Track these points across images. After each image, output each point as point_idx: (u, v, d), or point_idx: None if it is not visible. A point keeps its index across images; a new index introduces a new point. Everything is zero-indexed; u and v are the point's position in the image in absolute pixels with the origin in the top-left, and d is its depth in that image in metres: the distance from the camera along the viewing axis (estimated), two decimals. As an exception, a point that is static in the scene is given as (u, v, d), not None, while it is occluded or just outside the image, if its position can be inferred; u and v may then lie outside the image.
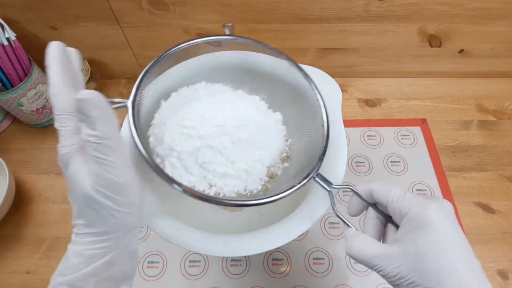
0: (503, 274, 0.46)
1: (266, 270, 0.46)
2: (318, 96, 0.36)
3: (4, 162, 0.50)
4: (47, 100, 0.57)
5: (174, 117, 0.35)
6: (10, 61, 0.53)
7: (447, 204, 0.25)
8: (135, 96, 0.31)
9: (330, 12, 0.53)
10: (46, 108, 0.58)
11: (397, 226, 0.27)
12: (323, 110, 0.35)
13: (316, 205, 0.35)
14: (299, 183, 0.30)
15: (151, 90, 0.36)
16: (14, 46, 0.52)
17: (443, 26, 0.56)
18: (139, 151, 0.29)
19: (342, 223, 0.50)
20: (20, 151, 0.58)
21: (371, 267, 0.26)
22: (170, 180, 0.28)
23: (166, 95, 0.39)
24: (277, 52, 0.37)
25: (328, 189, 0.31)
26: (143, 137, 0.30)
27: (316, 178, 0.31)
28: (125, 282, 0.27)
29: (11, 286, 0.46)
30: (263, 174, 0.36)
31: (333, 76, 0.41)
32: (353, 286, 0.45)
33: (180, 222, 0.35)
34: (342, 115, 0.42)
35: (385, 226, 0.29)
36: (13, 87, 0.53)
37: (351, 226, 0.29)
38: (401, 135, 0.59)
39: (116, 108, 0.30)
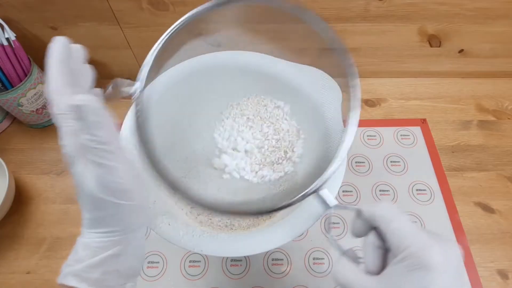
0: (503, 274, 0.46)
1: (266, 270, 0.46)
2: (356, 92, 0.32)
3: (4, 162, 0.50)
4: (47, 100, 0.57)
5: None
6: (10, 61, 0.53)
7: (454, 247, 0.22)
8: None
9: (330, 12, 0.53)
10: (46, 108, 0.58)
11: None
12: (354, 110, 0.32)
13: (316, 205, 0.35)
14: (295, 198, 0.28)
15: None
16: (14, 46, 0.52)
17: (443, 26, 0.56)
18: (146, 155, 0.28)
19: (342, 224, 0.50)
20: (20, 151, 0.58)
21: None
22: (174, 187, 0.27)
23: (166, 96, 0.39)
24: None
25: (331, 206, 0.28)
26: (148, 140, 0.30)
27: (319, 193, 0.28)
28: (131, 278, 0.27)
29: (11, 287, 0.46)
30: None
31: (332, 76, 0.41)
32: (353, 286, 0.45)
33: (180, 221, 0.35)
34: (342, 115, 0.42)
35: (387, 253, 0.26)
36: (13, 87, 0.53)
37: (342, 251, 0.26)
38: (401, 135, 0.59)
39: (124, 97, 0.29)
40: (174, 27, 0.32)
